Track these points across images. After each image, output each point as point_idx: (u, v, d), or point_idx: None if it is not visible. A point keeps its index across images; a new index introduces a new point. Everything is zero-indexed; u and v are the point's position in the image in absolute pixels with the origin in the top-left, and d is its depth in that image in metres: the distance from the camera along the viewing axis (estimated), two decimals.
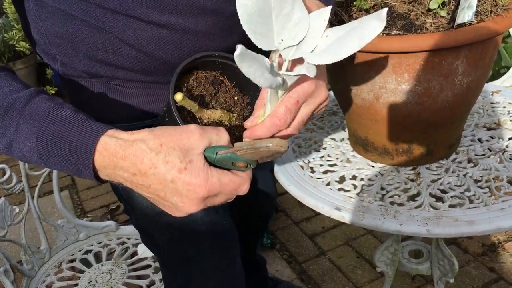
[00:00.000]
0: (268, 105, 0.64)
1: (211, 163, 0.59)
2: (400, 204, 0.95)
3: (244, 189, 0.59)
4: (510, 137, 1.10)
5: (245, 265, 1.41)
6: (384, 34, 0.88)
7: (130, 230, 1.62)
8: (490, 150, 1.07)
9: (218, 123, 0.69)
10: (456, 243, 1.87)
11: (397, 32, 0.87)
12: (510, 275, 1.71)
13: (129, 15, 0.70)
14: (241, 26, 0.82)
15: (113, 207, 2.39)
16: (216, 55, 0.73)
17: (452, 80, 0.89)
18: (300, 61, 0.60)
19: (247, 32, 0.58)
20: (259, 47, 0.58)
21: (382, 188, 1.01)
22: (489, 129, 1.15)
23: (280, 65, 0.61)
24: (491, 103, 1.26)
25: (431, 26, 0.87)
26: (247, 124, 0.65)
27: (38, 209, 1.44)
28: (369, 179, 1.04)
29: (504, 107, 1.24)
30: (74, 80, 0.80)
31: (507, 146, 1.07)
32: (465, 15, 0.84)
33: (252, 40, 0.58)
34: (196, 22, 0.74)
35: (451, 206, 0.93)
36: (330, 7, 0.61)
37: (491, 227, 0.86)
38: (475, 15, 0.88)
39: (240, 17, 0.57)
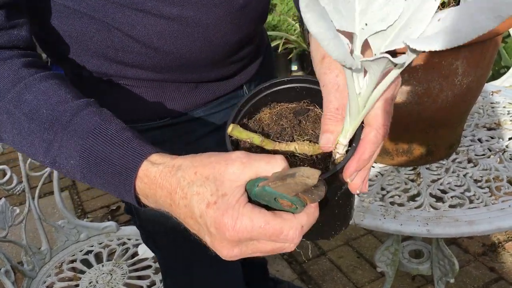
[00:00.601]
0: (348, 117, 0.52)
1: (253, 199, 0.48)
2: (400, 204, 0.96)
3: (290, 236, 0.46)
4: (510, 137, 1.10)
5: (243, 265, 1.41)
6: None
7: (130, 231, 1.62)
8: (490, 150, 1.07)
9: (304, 158, 0.56)
10: (457, 243, 1.87)
11: None
12: (511, 275, 1.71)
13: (139, 9, 0.69)
14: (250, 19, 0.82)
15: (114, 208, 2.39)
16: (287, 80, 0.62)
17: (452, 81, 0.89)
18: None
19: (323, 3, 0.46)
20: (336, 27, 0.46)
21: (383, 188, 1.01)
22: (489, 129, 1.15)
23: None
24: (491, 103, 1.26)
25: None
26: (323, 145, 0.54)
27: (38, 210, 1.44)
28: (370, 180, 1.04)
29: (504, 107, 1.24)
30: (83, 80, 0.80)
31: (507, 146, 1.07)
32: None
33: (330, 16, 0.46)
34: (207, 14, 0.73)
35: (451, 206, 0.93)
36: None
37: (491, 227, 0.86)
38: None
39: None
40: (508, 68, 2.05)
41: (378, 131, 0.51)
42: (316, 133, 0.58)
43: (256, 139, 0.55)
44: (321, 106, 0.56)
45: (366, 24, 0.46)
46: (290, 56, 3.55)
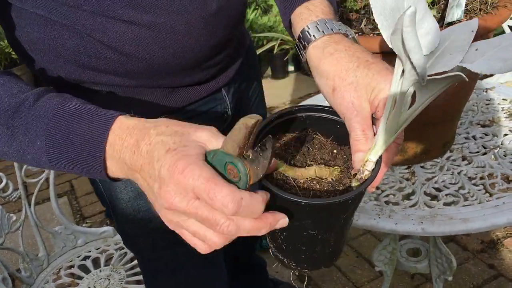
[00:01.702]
0: (383, 135, 0.54)
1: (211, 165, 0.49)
2: (395, 203, 0.96)
3: (226, 200, 0.46)
4: (505, 133, 1.10)
5: (241, 265, 1.41)
6: (375, 35, 0.88)
7: None
8: (485, 147, 1.07)
9: (319, 180, 0.58)
10: (455, 240, 1.87)
11: None
12: (510, 272, 1.71)
13: (109, 16, 0.69)
14: (225, 23, 0.82)
15: None
16: (295, 109, 0.64)
17: None
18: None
19: (378, 22, 0.52)
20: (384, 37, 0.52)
21: (377, 188, 1.01)
22: (483, 126, 1.15)
23: None
24: (485, 100, 1.26)
25: None
26: (357, 163, 0.57)
27: (35, 217, 1.44)
28: None
29: (498, 104, 1.24)
30: (58, 86, 0.79)
31: (501, 143, 1.07)
32: (454, 13, 0.84)
33: (381, 29, 0.52)
34: (179, 21, 0.73)
35: (445, 204, 0.93)
36: (476, 20, 0.57)
37: (485, 225, 0.86)
38: (464, 13, 0.88)
39: (373, 8, 0.52)
40: None
41: (398, 142, 0.57)
42: (324, 159, 0.62)
43: (280, 165, 0.57)
44: (323, 133, 0.64)
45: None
46: (286, 57, 3.55)
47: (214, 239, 0.50)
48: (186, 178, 0.47)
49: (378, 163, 0.55)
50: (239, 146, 0.47)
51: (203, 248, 0.52)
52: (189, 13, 0.73)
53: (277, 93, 3.50)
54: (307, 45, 0.67)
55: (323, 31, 0.66)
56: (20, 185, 1.33)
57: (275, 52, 3.50)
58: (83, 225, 2.32)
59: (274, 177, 0.57)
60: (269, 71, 3.87)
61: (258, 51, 3.16)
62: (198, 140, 0.50)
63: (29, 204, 1.41)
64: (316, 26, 0.66)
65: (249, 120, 0.45)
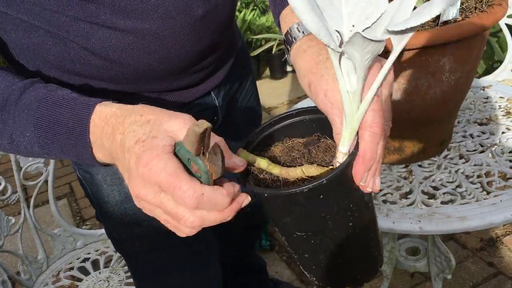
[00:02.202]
0: (344, 123, 0.53)
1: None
2: (393, 202, 0.96)
3: (187, 195, 0.46)
4: (502, 131, 1.10)
5: (240, 266, 1.41)
6: None
7: None
8: (482, 146, 1.07)
9: (308, 179, 0.56)
10: (454, 238, 1.87)
11: None
12: (509, 270, 1.71)
13: (93, 22, 0.69)
14: (212, 28, 0.81)
15: None
16: (294, 113, 0.63)
17: (439, 77, 0.89)
18: None
19: (299, 12, 0.46)
20: (313, 31, 0.47)
21: None
22: (480, 124, 1.15)
23: None
24: (483, 98, 1.27)
25: None
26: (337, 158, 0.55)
27: (34, 219, 1.44)
28: None
29: (495, 101, 1.24)
30: None
31: (499, 141, 1.07)
32: (450, 12, 0.84)
33: (307, 22, 0.46)
34: (163, 26, 0.72)
35: (443, 202, 0.93)
36: None
37: (483, 223, 0.86)
38: (460, 12, 0.88)
39: None
40: (501, 62, 2.05)
41: (372, 130, 0.52)
42: (326, 160, 0.59)
43: (263, 162, 0.57)
44: (331, 137, 0.57)
45: (353, 26, 0.49)
46: (284, 58, 3.56)
47: (183, 229, 0.50)
48: (150, 172, 0.47)
49: (352, 154, 0.53)
50: (194, 147, 0.47)
51: (179, 233, 0.52)
52: (173, 18, 0.73)
53: (276, 93, 3.50)
54: (289, 48, 0.66)
55: (303, 32, 0.64)
56: (18, 187, 1.33)
57: (273, 52, 3.49)
58: (83, 227, 2.32)
59: (262, 177, 0.56)
60: (267, 72, 3.87)
61: (257, 52, 3.15)
62: (168, 130, 0.50)
63: (28, 207, 1.41)
64: (297, 27, 0.65)
65: (197, 129, 0.45)
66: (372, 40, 0.44)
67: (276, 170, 0.57)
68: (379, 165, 0.55)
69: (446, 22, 0.85)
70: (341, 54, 0.48)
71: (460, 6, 0.89)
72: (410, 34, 0.46)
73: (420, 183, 0.99)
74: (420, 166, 1.05)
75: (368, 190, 0.55)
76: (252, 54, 3.62)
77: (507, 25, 1.94)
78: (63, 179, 2.75)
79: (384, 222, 0.90)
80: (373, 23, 0.48)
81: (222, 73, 0.92)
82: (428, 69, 0.87)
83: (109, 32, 0.70)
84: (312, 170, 0.56)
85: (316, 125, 0.62)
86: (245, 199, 0.51)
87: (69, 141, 0.56)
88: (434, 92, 0.91)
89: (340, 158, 0.54)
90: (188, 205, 0.46)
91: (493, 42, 2.28)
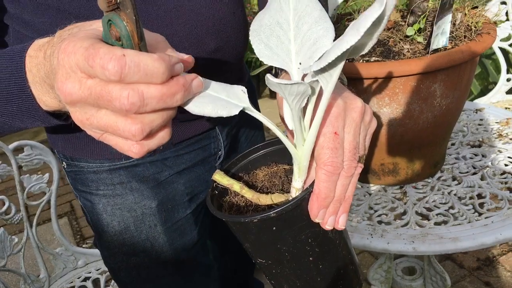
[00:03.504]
0: (296, 163, 0.53)
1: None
2: (388, 223, 0.98)
3: (105, 59, 0.38)
4: (494, 154, 1.14)
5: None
6: (364, 61, 0.92)
7: None
8: (474, 168, 1.10)
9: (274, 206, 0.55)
10: (451, 258, 1.89)
11: (376, 58, 0.91)
12: None
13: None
14: (223, 61, 0.83)
15: None
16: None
17: (431, 103, 0.92)
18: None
19: (254, 45, 0.49)
20: (268, 63, 0.49)
21: (370, 208, 1.04)
22: (473, 146, 1.19)
23: None
24: (475, 121, 1.30)
25: (408, 52, 0.91)
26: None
27: (37, 238, 1.46)
28: (358, 199, 1.07)
29: (488, 124, 1.27)
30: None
31: (491, 163, 1.10)
32: (440, 40, 0.88)
33: (259, 55, 0.49)
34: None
35: (436, 223, 0.95)
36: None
37: (475, 244, 0.89)
38: (450, 40, 0.92)
39: (251, 29, 0.50)
40: (496, 84, 2.10)
41: (326, 169, 0.50)
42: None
43: (236, 185, 0.58)
44: None
45: (300, 64, 0.49)
46: None
47: (128, 127, 0.41)
48: (67, 55, 0.40)
49: (307, 190, 0.52)
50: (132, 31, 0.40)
51: (131, 149, 0.44)
52: (186, 50, 0.76)
53: (276, 112, 3.52)
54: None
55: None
56: (22, 207, 1.36)
57: (273, 72, 3.55)
58: (83, 246, 2.33)
59: (236, 200, 0.58)
60: (267, 91, 3.92)
61: (257, 71, 3.21)
62: (95, 27, 0.45)
63: (31, 226, 1.43)
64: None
65: None
66: (287, 84, 0.43)
67: (248, 194, 0.58)
68: (346, 203, 0.54)
69: (436, 50, 0.89)
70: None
71: (450, 34, 0.93)
72: (336, 73, 0.45)
73: (414, 204, 1.02)
74: (414, 187, 1.07)
75: (328, 227, 0.54)
76: (252, 73, 3.67)
77: (500, 48, 1.98)
78: (64, 197, 2.77)
79: (379, 243, 0.93)
80: (315, 62, 0.46)
81: None
82: (420, 95, 0.91)
83: None
84: (281, 199, 0.56)
85: None
86: (194, 78, 0.45)
87: (10, 89, 0.52)
88: (426, 117, 0.94)
89: (293, 193, 0.55)
90: (109, 72, 0.38)
91: (487, 64, 2.33)
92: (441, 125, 0.99)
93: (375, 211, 1.02)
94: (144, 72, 0.39)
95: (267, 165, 0.65)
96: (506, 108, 1.91)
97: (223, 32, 0.81)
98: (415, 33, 0.94)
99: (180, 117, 0.86)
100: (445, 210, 0.98)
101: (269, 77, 0.42)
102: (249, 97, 1.12)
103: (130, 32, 0.40)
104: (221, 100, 0.47)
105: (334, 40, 0.47)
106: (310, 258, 0.57)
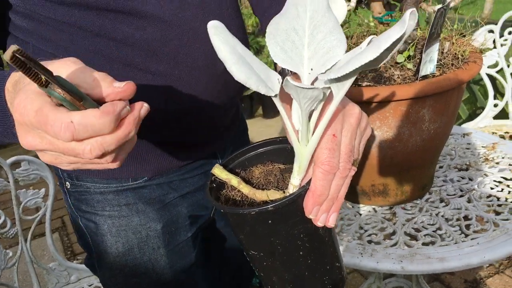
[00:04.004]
0: (297, 161, 0.56)
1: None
2: (377, 243, 1.01)
3: (56, 127, 0.43)
4: (480, 177, 1.17)
5: None
6: (357, 85, 0.96)
7: None
8: (461, 190, 1.14)
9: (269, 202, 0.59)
10: (440, 279, 1.91)
11: (368, 83, 0.95)
12: None
13: (127, 64, 0.74)
14: (232, 83, 0.87)
15: None
16: (279, 140, 0.67)
17: (420, 127, 0.96)
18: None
19: (270, 47, 0.52)
20: (281, 65, 0.52)
21: (361, 227, 1.06)
22: (460, 170, 1.23)
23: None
24: (463, 145, 1.34)
25: (398, 78, 0.95)
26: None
27: (31, 253, 1.47)
28: (349, 219, 1.10)
29: (475, 148, 1.32)
30: None
31: (477, 186, 1.14)
32: (428, 68, 0.92)
33: (274, 56, 0.52)
34: (190, 74, 0.78)
35: (424, 244, 0.98)
36: None
37: (461, 264, 0.92)
38: (438, 67, 0.97)
39: (267, 32, 0.53)
40: (483, 109, 2.15)
41: (323, 167, 0.53)
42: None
43: (234, 180, 0.61)
44: None
45: (311, 69, 0.52)
46: None
47: (95, 162, 0.48)
48: (20, 115, 0.44)
49: (304, 187, 0.55)
50: (29, 78, 0.42)
51: (99, 166, 0.49)
52: (199, 69, 0.80)
53: (268, 131, 3.58)
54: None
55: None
56: (17, 221, 1.37)
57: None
58: (74, 261, 2.33)
59: (232, 194, 0.61)
60: (260, 110, 3.97)
61: (250, 91, 3.25)
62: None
63: (25, 240, 1.44)
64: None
65: (6, 57, 0.40)
66: (304, 88, 0.46)
67: (245, 189, 0.61)
68: (337, 203, 0.57)
69: (424, 77, 0.93)
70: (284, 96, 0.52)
71: (438, 62, 0.98)
72: (349, 83, 0.49)
73: (403, 224, 1.05)
74: (403, 208, 1.11)
75: (319, 224, 0.56)
76: (245, 93, 3.70)
77: (488, 75, 2.04)
78: (56, 213, 2.77)
79: (368, 262, 0.96)
80: (327, 70, 0.50)
81: (227, 138, 0.98)
82: (410, 119, 0.95)
83: (140, 73, 0.75)
84: (276, 196, 0.59)
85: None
86: (141, 107, 0.48)
87: None
88: (415, 140, 0.98)
89: (291, 189, 0.58)
90: (64, 139, 0.43)
91: (476, 89, 2.39)
92: (430, 149, 1.03)
93: (365, 230, 1.05)
94: (93, 130, 0.44)
95: (263, 163, 0.67)
96: (493, 133, 1.97)
97: None
98: (405, 60, 0.98)
99: (187, 141, 0.89)
100: (433, 231, 1.01)
101: (289, 79, 0.46)
102: (242, 133, 1.15)
103: (70, 100, 0.44)
104: (260, 78, 0.50)
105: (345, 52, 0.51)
106: (300, 253, 0.60)
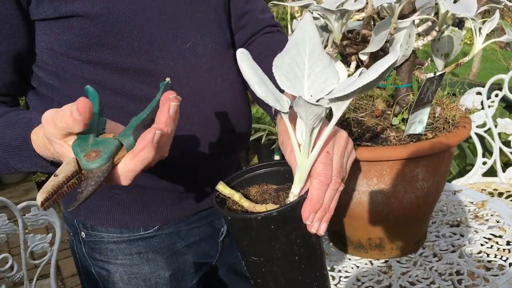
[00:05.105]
0: (298, 173, 0.64)
1: None
2: None
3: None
4: (471, 234, 1.24)
5: None
6: (355, 145, 1.04)
7: None
8: (453, 246, 1.20)
9: None
10: None
11: (366, 143, 1.03)
12: None
13: (129, 97, 0.82)
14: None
15: None
16: (272, 163, 0.75)
17: (414, 185, 1.03)
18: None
19: (277, 77, 0.61)
20: (287, 91, 0.61)
21: (358, 280, 1.11)
22: (451, 226, 1.29)
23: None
24: (454, 202, 1.41)
25: (394, 139, 1.03)
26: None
27: None
28: (346, 271, 1.15)
29: (465, 205, 1.39)
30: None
31: (468, 242, 1.20)
32: (416, 128, 1.01)
33: (280, 84, 0.61)
34: (194, 112, 0.87)
35: None
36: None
37: None
38: (431, 130, 1.05)
39: (274, 65, 0.62)
40: (473, 166, 2.24)
41: (319, 179, 0.62)
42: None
43: (236, 195, 0.69)
44: None
45: (311, 96, 0.62)
46: (273, 147, 3.75)
47: None
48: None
49: (302, 197, 0.63)
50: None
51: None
52: (209, 125, 0.88)
53: None
54: (276, 118, 0.80)
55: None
56: (23, 266, 1.40)
57: (262, 142, 3.69)
58: None
59: (234, 208, 0.69)
60: (255, 159, 4.04)
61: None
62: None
63: (30, 284, 1.47)
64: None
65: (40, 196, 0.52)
66: (312, 104, 0.57)
67: (246, 203, 0.68)
68: (328, 214, 0.64)
69: (418, 138, 1.01)
70: (293, 114, 0.62)
71: (431, 125, 1.06)
72: (347, 103, 0.58)
73: (399, 277, 1.10)
74: (398, 262, 1.16)
75: (313, 230, 0.64)
76: None
77: (476, 134, 2.14)
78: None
79: None
80: (325, 95, 0.61)
81: None
82: (405, 178, 1.02)
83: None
84: (274, 208, 0.65)
85: (288, 176, 0.71)
86: (159, 130, 0.57)
87: (24, 153, 0.69)
88: (410, 197, 1.05)
89: (291, 198, 0.66)
90: None
91: (465, 147, 2.48)
92: (423, 205, 1.10)
93: (362, 283, 1.10)
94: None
95: (258, 184, 0.75)
96: (482, 189, 2.04)
97: (237, 112, 0.95)
98: (400, 122, 1.07)
99: (195, 188, 0.95)
100: (427, 285, 1.06)
101: (301, 98, 0.56)
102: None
103: (110, 159, 0.57)
104: (275, 97, 0.60)
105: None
106: (296, 258, 0.67)
